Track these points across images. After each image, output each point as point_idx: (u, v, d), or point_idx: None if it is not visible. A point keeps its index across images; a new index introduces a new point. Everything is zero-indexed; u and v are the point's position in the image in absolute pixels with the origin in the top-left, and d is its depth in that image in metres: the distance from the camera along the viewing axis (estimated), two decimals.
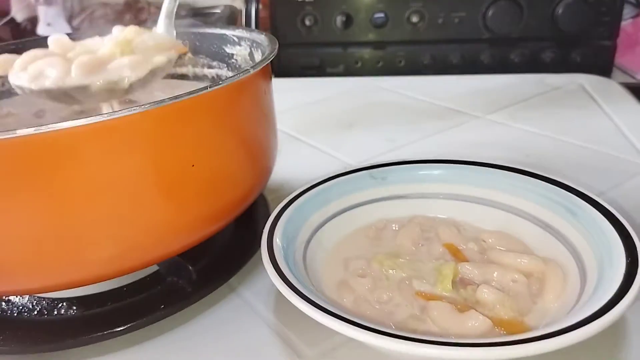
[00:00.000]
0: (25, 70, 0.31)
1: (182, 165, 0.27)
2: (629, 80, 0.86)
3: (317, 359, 0.28)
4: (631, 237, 0.27)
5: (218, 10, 0.72)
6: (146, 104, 0.24)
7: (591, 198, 0.31)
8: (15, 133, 0.22)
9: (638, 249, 0.26)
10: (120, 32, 0.34)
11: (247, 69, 0.29)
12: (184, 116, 0.26)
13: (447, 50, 0.81)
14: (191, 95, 0.25)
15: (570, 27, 0.77)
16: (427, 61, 0.81)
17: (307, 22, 0.79)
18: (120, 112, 0.23)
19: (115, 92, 0.31)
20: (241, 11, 0.77)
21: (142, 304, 0.30)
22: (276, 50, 0.33)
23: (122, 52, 0.31)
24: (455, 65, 0.81)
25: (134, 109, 0.24)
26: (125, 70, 0.30)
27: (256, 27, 0.77)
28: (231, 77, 0.28)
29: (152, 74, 0.32)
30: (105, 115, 0.23)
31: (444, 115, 0.63)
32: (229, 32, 0.42)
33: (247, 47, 0.40)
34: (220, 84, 0.27)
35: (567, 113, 0.61)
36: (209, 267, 0.33)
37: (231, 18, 0.70)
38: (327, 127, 0.61)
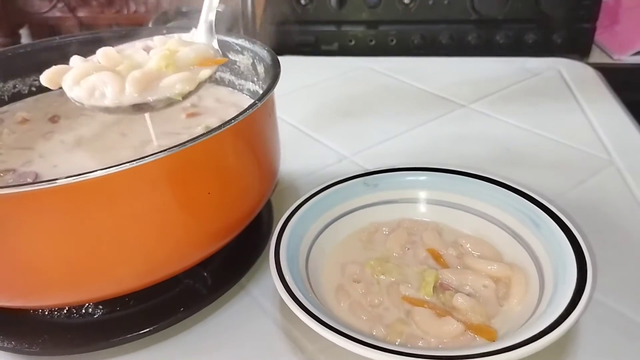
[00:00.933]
0: (79, 85, 0.33)
1: (199, 194, 0.30)
2: (606, 60, 0.90)
3: (318, 354, 0.33)
4: (584, 254, 0.32)
5: (219, 9, 0.71)
6: (168, 149, 0.27)
7: (552, 211, 0.36)
8: (56, 183, 0.25)
9: (587, 267, 0.31)
10: (163, 44, 0.36)
11: (255, 103, 0.32)
12: (200, 154, 0.30)
13: (436, 30, 0.83)
14: (207, 137, 0.29)
15: (553, 10, 0.80)
16: (417, 41, 0.84)
17: (303, 1, 0.79)
18: (146, 157, 0.26)
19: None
20: None
21: (163, 306, 0.35)
22: (279, 74, 0.36)
23: (167, 65, 0.33)
24: (444, 46, 0.83)
25: (157, 155, 0.27)
26: (177, 86, 0.32)
27: (252, 4, 0.77)
28: (242, 113, 0.31)
29: (199, 86, 0.34)
30: (134, 162, 0.26)
31: (433, 103, 0.66)
32: (231, 40, 0.44)
33: (250, 57, 0.42)
34: (231, 122, 0.30)
35: (544, 104, 0.65)
36: (221, 270, 0.37)
37: (232, 18, 0.70)
38: (324, 116, 0.64)
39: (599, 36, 0.92)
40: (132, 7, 1.36)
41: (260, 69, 0.41)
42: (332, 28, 0.84)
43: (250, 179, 0.35)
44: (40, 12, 1.41)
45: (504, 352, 0.26)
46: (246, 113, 0.31)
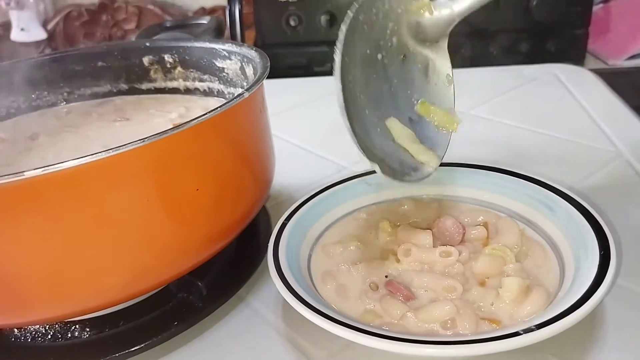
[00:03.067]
0: None
1: (186, 191, 0.28)
2: (602, 66, 0.90)
3: None
4: (604, 230, 0.30)
5: (204, 22, 0.73)
6: (147, 137, 0.25)
7: (567, 194, 0.34)
8: (23, 175, 0.23)
9: (609, 242, 0.29)
10: None
11: (243, 93, 0.30)
12: (184, 145, 0.28)
13: None
14: (190, 125, 0.27)
15: (544, 18, 0.80)
16: None
17: (292, 22, 0.80)
18: (122, 147, 0.25)
19: None
20: (225, 11, 0.78)
21: (155, 321, 0.32)
22: (268, 68, 0.35)
23: None
24: None
25: (136, 143, 0.25)
26: None
27: (240, 27, 0.78)
28: (228, 102, 0.29)
29: None
30: (110, 150, 0.24)
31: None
32: (218, 46, 0.43)
33: (238, 61, 0.41)
34: (217, 110, 0.28)
35: (544, 105, 0.63)
36: (217, 281, 0.35)
37: (218, 30, 0.70)
38: (319, 131, 0.63)
39: (592, 45, 0.93)
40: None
41: (249, 71, 0.40)
42: (324, 49, 0.84)
43: (243, 176, 0.33)
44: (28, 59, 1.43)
45: (529, 333, 0.23)
46: (233, 102, 0.29)
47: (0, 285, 0.26)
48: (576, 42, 0.84)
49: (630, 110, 0.59)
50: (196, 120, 0.27)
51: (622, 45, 0.91)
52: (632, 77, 0.87)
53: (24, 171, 0.23)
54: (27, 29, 1.47)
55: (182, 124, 0.27)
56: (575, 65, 0.76)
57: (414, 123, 0.33)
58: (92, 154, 0.24)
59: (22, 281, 0.26)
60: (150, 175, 0.27)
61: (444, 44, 0.34)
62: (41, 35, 1.47)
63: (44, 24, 1.49)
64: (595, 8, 0.91)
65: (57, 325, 0.33)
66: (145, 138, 0.25)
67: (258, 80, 0.32)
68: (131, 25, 1.35)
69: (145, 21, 1.30)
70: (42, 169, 0.23)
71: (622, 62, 0.90)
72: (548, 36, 0.82)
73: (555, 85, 0.70)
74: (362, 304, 0.30)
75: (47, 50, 1.40)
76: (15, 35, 1.47)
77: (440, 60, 0.34)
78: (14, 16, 1.45)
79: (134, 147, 0.25)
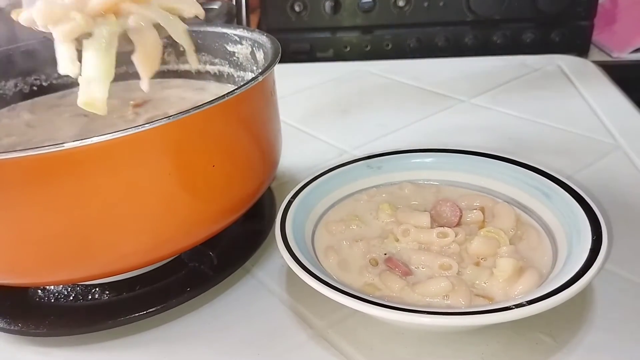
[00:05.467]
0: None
1: (204, 167, 0.30)
2: (606, 58, 0.91)
3: (327, 329, 0.32)
4: (597, 217, 0.32)
5: (216, 6, 0.74)
6: (170, 116, 0.27)
7: (563, 182, 0.36)
8: (63, 146, 0.25)
9: (602, 228, 0.30)
10: None
11: (257, 76, 0.32)
12: (203, 124, 0.29)
13: (432, 33, 0.84)
14: (209, 106, 0.29)
15: (550, 8, 0.81)
16: (413, 44, 0.84)
17: (297, 8, 0.81)
18: (148, 124, 0.26)
19: None
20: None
21: (170, 287, 0.34)
22: (280, 52, 0.36)
23: None
24: (440, 48, 0.84)
25: (161, 121, 0.27)
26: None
27: (247, 11, 0.79)
28: (243, 85, 0.31)
29: None
30: (138, 127, 0.26)
31: (431, 100, 0.66)
32: (229, 31, 0.44)
33: (249, 46, 0.43)
34: (234, 92, 0.30)
35: (545, 95, 0.65)
36: (226, 253, 0.37)
37: (229, 14, 0.71)
38: (322, 115, 0.64)
39: (597, 36, 0.93)
40: None
41: (260, 55, 0.41)
42: (327, 34, 0.85)
43: (254, 155, 0.34)
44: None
45: (521, 307, 0.25)
46: (249, 85, 0.31)
47: (33, 246, 0.28)
48: (581, 34, 0.85)
49: (631, 104, 0.61)
50: (214, 101, 0.29)
51: (627, 38, 0.92)
52: (636, 70, 0.88)
53: (62, 142, 0.24)
54: None
55: (201, 105, 0.28)
56: (579, 56, 0.77)
57: None
58: (122, 130, 0.25)
59: (54, 243, 0.28)
60: (172, 151, 0.28)
61: None
62: None
63: None
64: (601, 0, 0.92)
65: (78, 287, 0.35)
66: (170, 116, 0.27)
67: (271, 65, 0.33)
68: None
69: None
70: (79, 141, 0.25)
71: (626, 55, 0.91)
72: (553, 26, 0.83)
73: (558, 76, 0.71)
74: (362, 278, 0.32)
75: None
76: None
77: None
78: None
79: (158, 124, 0.26)
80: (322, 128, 0.60)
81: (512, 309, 0.25)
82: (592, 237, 0.30)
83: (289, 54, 0.84)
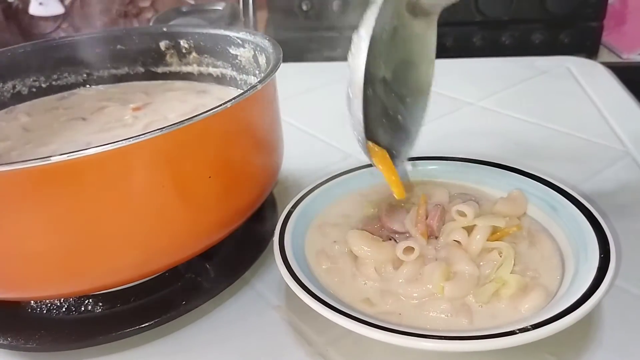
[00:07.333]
0: None
1: (199, 178, 0.29)
2: (615, 59, 0.89)
3: (326, 346, 0.31)
4: (605, 233, 0.30)
5: (220, 8, 0.73)
6: (165, 127, 0.26)
7: (571, 195, 0.34)
8: (50, 160, 0.24)
9: (610, 246, 0.29)
10: None
11: (256, 85, 0.31)
12: (198, 134, 0.28)
13: (440, 33, 0.82)
14: (205, 115, 0.28)
15: (559, 9, 0.79)
16: None
17: (304, 7, 0.80)
18: (141, 135, 0.26)
19: None
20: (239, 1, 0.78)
21: (165, 299, 0.33)
22: (281, 59, 0.35)
23: None
24: (448, 48, 0.83)
25: (154, 132, 0.26)
26: None
27: (253, 11, 0.78)
28: (240, 94, 0.30)
29: None
30: (130, 139, 0.25)
31: (438, 102, 0.65)
32: (232, 34, 0.43)
33: (251, 49, 0.42)
34: (231, 101, 0.29)
35: (554, 99, 0.63)
36: (224, 263, 0.36)
37: (233, 16, 0.70)
38: (328, 116, 0.63)
39: (607, 37, 0.92)
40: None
41: (262, 59, 0.40)
42: (335, 34, 0.83)
43: (253, 165, 0.33)
44: (44, 32, 1.43)
45: (525, 332, 0.24)
46: (246, 94, 0.30)
47: (23, 261, 0.27)
48: (590, 34, 0.83)
49: None
50: (210, 111, 0.28)
51: (637, 38, 0.90)
52: None
53: (50, 156, 0.24)
54: (45, 3, 1.47)
55: (196, 115, 0.27)
56: (588, 57, 0.75)
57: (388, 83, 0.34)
58: (112, 142, 0.25)
59: (44, 257, 0.27)
60: (166, 163, 0.27)
61: (436, 17, 0.34)
62: (58, 9, 1.49)
63: None
64: (611, 0, 0.90)
65: (71, 299, 0.34)
66: (163, 128, 0.26)
67: (271, 73, 0.32)
68: (146, 3, 1.35)
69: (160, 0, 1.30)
70: (67, 154, 0.24)
71: (636, 56, 0.89)
72: (562, 27, 0.81)
73: (567, 78, 0.69)
74: (360, 293, 0.31)
75: (64, 25, 1.40)
76: (34, 9, 1.48)
77: (430, 33, 0.34)
78: None
79: (151, 136, 0.26)
80: (327, 131, 0.59)
81: (516, 333, 0.24)
82: (600, 254, 0.29)
83: (297, 53, 0.83)
